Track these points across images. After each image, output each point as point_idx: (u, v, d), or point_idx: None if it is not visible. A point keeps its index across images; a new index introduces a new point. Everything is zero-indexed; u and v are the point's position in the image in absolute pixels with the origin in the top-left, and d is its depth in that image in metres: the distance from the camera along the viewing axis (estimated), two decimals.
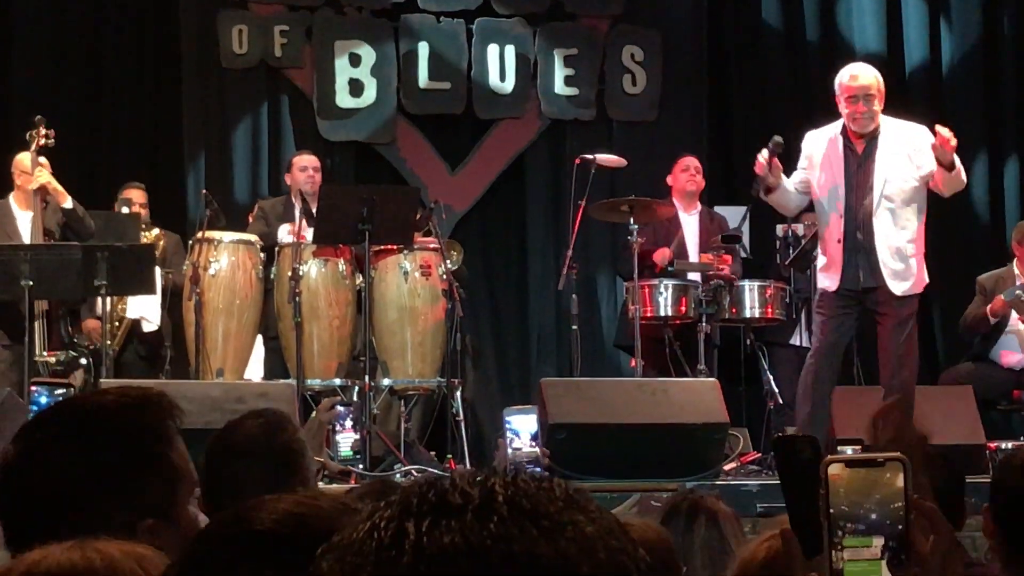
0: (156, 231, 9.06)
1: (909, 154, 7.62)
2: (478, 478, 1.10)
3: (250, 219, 9.24)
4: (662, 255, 9.04)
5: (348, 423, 7.17)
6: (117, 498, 2.14)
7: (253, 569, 1.56)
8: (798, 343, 9.94)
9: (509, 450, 3.65)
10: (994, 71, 11.59)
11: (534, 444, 3.59)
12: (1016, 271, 9.36)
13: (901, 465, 1.66)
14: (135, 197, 9.07)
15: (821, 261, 7.73)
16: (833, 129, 7.71)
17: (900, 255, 7.59)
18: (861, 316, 7.71)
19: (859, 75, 7.70)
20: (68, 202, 8.43)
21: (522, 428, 3.53)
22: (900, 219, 7.61)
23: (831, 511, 1.66)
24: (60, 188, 8.42)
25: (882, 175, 7.58)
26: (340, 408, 7.57)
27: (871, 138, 7.63)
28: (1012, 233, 9.54)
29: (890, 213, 7.58)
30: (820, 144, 7.69)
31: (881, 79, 7.72)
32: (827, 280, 7.62)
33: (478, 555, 1.04)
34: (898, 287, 7.56)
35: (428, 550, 1.05)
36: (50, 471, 2.10)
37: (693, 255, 9.25)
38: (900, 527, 1.64)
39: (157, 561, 1.63)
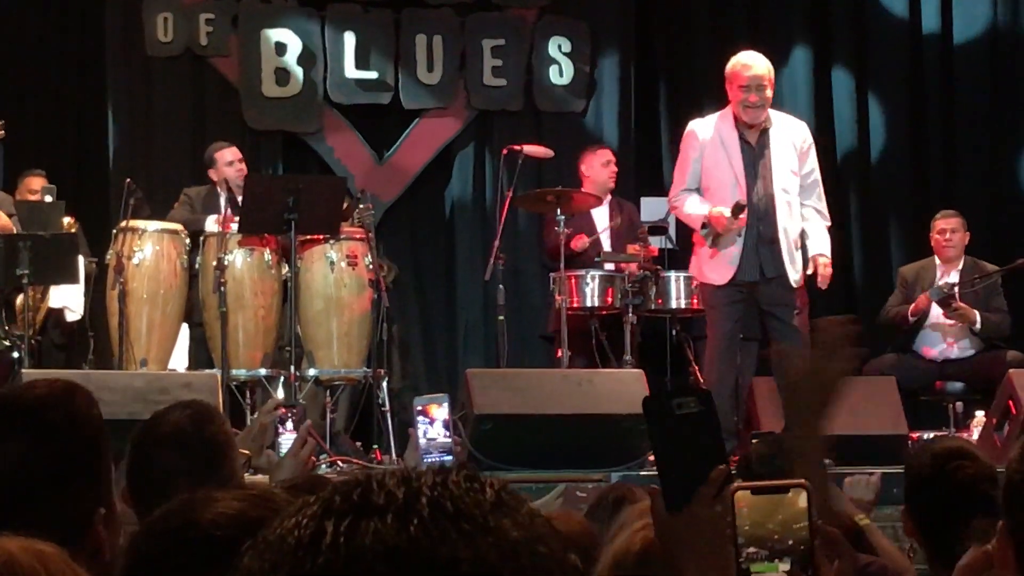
0: (68, 219, 8.96)
1: (796, 152, 7.69)
2: (407, 477, 1.09)
3: (175, 205, 9.17)
4: (581, 242, 9.05)
5: (290, 425, 7.12)
6: (68, 490, 2.13)
7: (204, 572, 1.54)
8: None
9: (422, 440, 3.63)
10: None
11: (447, 434, 3.57)
12: (937, 262, 9.45)
13: (805, 491, 1.67)
14: (35, 185, 8.98)
15: (700, 256, 7.72)
16: (721, 118, 7.65)
17: (796, 246, 7.66)
18: (750, 307, 7.75)
19: (753, 64, 7.65)
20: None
21: (435, 416, 3.52)
22: (795, 210, 7.66)
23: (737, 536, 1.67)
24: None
25: (779, 166, 7.62)
26: (282, 410, 7.55)
27: (763, 129, 7.62)
28: (932, 225, 9.63)
29: (788, 205, 7.64)
30: (708, 132, 7.63)
31: (772, 70, 7.73)
32: (714, 273, 7.63)
33: (394, 557, 1.03)
34: (794, 278, 7.64)
35: (343, 550, 1.04)
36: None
37: (606, 245, 9.28)
38: (803, 548, 1.65)
39: (57, 558, 1.60)
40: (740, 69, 7.59)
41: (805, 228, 7.75)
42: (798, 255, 7.65)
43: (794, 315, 7.63)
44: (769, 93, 7.59)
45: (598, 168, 9.45)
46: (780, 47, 10.84)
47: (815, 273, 7.72)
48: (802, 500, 1.67)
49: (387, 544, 1.03)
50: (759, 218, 7.56)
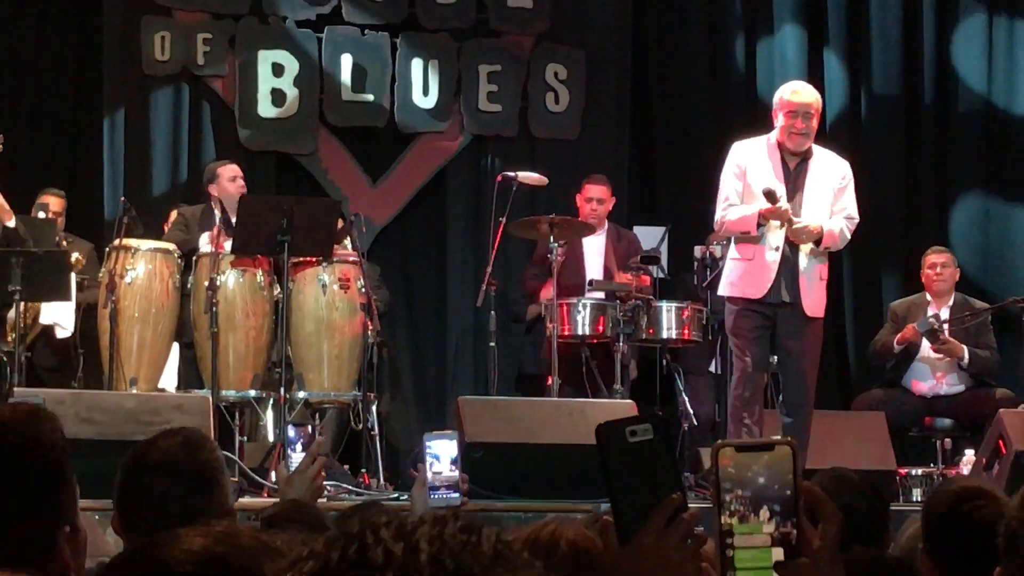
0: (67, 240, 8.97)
1: (833, 187, 7.73)
2: (403, 531, 1.06)
3: (165, 227, 9.16)
4: (548, 294, 8.98)
5: (299, 447, 7.10)
6: (31, 513, 2.13)
7: None
8: (715, 370, 10.00)
9: (429, 474, 3.63)
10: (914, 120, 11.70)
11: (453, 469, 3.57)
12: (928, 298, 9.47)
13: (791, 449, 1.66)
14: (52, 204, 8.97)
15: (738, 270, 7.69)
16: (765, 141, 7.73)
17: (817, 278, 7.67)
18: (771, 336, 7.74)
19: (801, 91, 7.78)
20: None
21: (442, 452, 3.52)
22: (820, 245, 7.69)
23: (721, 485, 1.65)
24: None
25: (811, 198, 7.66)
26: (291, 430, 7.55)
27: (803, 158, 7.68)
28: (923, 261, 9.65)
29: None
30: (752, 153, 7.70)
31: (820, 101, 7.83)
32: (751, 287, 7.60)
33: None
34: (811, 308, 7.64)
35: None
36: None
37: (597, 273, 9.26)
38: (789, 496, 1.64)
39: None
40: (790, 96, 7.70)
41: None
42: (817, 288, 7.67)
43: (802, 351, 7.66)
44: (815, 123, 7.68)
45: (582, 203, 9.47)
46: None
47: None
48: (787, 457, 1.66)
49: None
50: (788, 242, 7.60)
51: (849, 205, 7.79)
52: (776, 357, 7.89)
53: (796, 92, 7.75)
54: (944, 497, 3.43)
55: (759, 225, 7.56)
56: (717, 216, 7.80)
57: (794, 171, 7.67)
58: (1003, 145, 11.49)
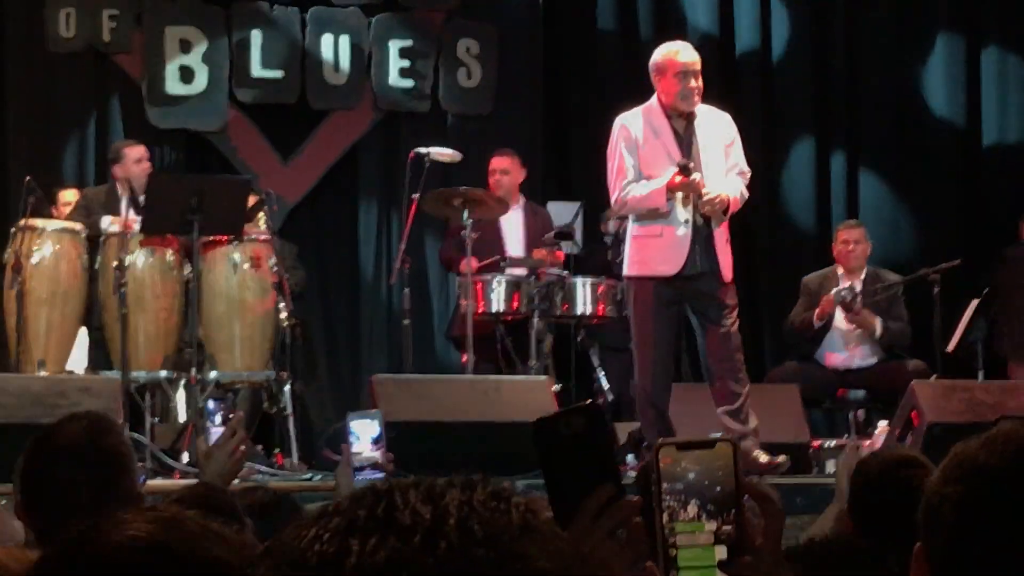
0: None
1: (724, 143, 7.58)
2: (432, 493, 1.06)
3: (54, 210, 8.98)
4: (467, 266, 8.95)
5: (218, 419, 7.03)
6: None
7: None
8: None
9: (354, 455, 3.62)
10: (824, 60, 11.78)
11: (375, 448, 3.55)
12: (839, 272, 9.52)
13: (731, 446, 1.65)
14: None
15: (646, 248, 7.48)
16: (647, 110, 7.52)
17: (724, 241, 7.52)
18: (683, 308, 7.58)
19: (684, 50, 7.56)
20: None
21: (363, 433, 3.49)
22: (726, 214, 7.53)
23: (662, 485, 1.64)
24: None
25: (708, 157, 7.48)
26: (211, 403, 7.49)
27: (688, 119, 7.50)
28: (835, 234, 9.71)
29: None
30: (639, 124, 7.50)
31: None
32: (664, 264, 7.40)
33: None
34: (726, 273, 7.50)
35: (368, 571, 1.01)
36: None
37: (518, 250, 9.23)
38: (730, 494, 1.63)
39: None
40: (673, 56, 7.49)
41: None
42: (727, 252, 7.50)
43: (724, 314, 7.49)
44: (700, 81, 7.48)
45: (488, 176, 9.41)
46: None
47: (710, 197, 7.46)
48: (727, 454, 1.64)
49: (412, 568, 1.01)
50: (698, 210, 7.41)
51: (740, 159, 7.65)
52: (697, 329, 7.63)
53: (680, 52, 7.53)
54: (878, 463, 3.43)
55: (668, 199, 7.36)
56: (616, 195, 7.55)
57: (684, 134, 7.49)
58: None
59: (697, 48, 7.79)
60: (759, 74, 11.55)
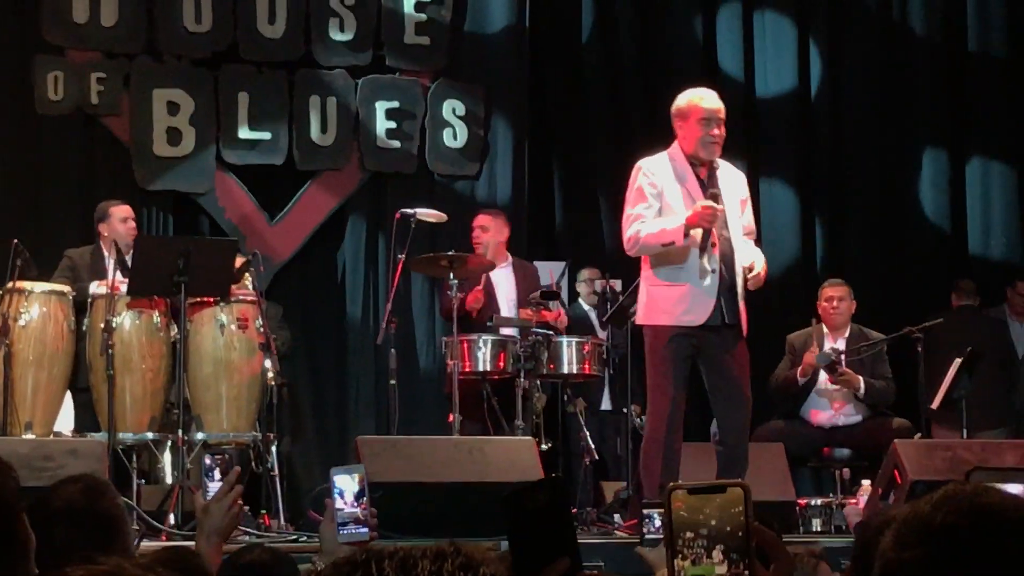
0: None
1: (739, 198, 7.46)
2: (407, 564, 1.10)
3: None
4: (475, 298, 9.03)
5: (216, 474, 7.01)
6: None
7: None
8: (609, 407, 10.04)
9: (336, 509, 3.63)
10: (809, 116, 11.92)
11: (357, 504, 3.57)
12: (824, 330, 9.57)
13: (742, 490, 1.68)
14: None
15: (669, 296, 7.24)
16: (670, 156, 7.33)
17: (743, 296, 7.40)
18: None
19: (708, 97, 7.38)
20: None
21: (347, 488, 3.52)
22: (740, 258, 7.39)
23: (672, 527, 1.67)
24: None
25: (730, 208, 7.32)
26: (207, 459, 7.46)
27: (711, 169, 7.32)
28: (819, 292, 9.76)
29: (738, 250, 7.34)
30: (663, 169, 7.30)
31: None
32: (689, 315, 7.18)
33: None
34: (744, 326, 7.40)
35: None
36: None
37: (507, 309, 9.27)
38: (741, 537, 1.65)
39: None
40: (698, 102, 7.31)
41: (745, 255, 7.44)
42: (743, 306, 7.37)
43: (742, 370, 7.38)
44: (724, 130, 7.30)
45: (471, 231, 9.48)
46: None
47: (750, 269, 7.28)
48: (739, 498, 1.67)
49: None
50: (724, 260, 7.24)
51: (750, 217, 7.54)
52: (709, 383, 7.43)
53: (705, 98, 7.35)
54: (878, 522, 3.46)
55: (685, 235, 7.10)
56: (629, 232, 7.28)
57: (707, 182, 7.30)
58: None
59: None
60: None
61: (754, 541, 1.68)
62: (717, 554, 1.66)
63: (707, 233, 7.16)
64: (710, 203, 7.11)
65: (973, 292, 10.77)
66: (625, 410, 8.98)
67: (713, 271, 7.21)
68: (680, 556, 1.66)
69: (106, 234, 8.81)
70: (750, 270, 7.30)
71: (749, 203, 7.59)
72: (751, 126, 11.67)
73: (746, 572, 1.66)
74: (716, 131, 7.26)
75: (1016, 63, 12.08)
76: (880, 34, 12.06)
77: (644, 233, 7.20)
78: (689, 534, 1.66)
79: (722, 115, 7.33)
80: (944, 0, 12.10)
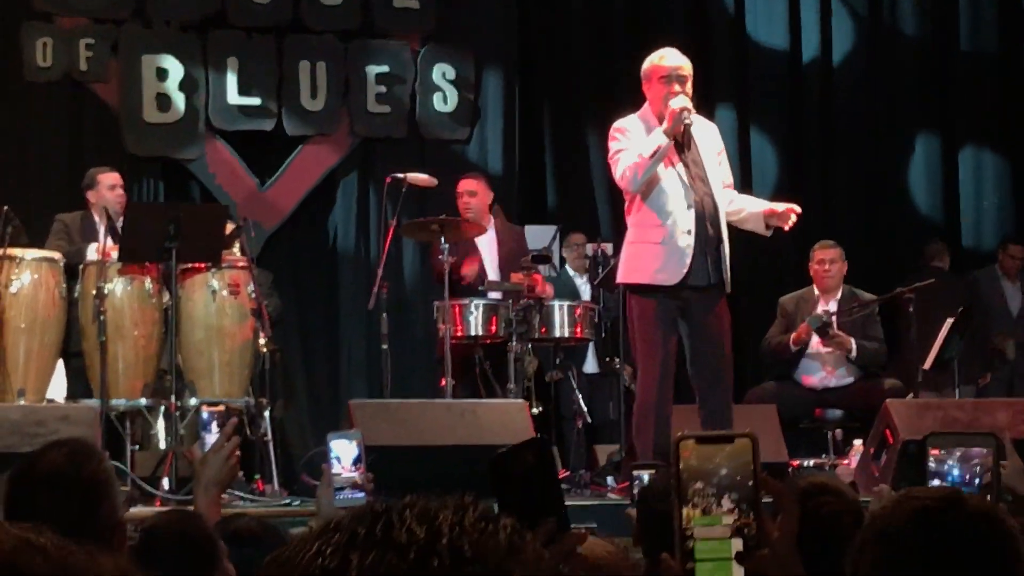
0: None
1: (715, 151, 7.46)
2: (427, 514, 1.13)
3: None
4: (470, 267, 9.02)
5: (214, 427, 7.02)
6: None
7: None
8: (592, 370, 10.06)
9: (333, 474, 3.64)
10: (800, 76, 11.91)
11: (354, 469, 3.57)
12: (816, 292, 9.57)
13: (750, 441, 1.68)
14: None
15: (646, 255, 7.26)
16: (641, 117, 7.36)
17: (727, 252, 7.39)
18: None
19: (669, 55, 7.42)
20: None
21: (344, 453, 3.53)
22: (723, 214, 7.39)
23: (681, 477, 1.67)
24: None
25: (709, 164, 7.34)
26: (205, 412, 7.45)
27: (686, 127, 7.28)
28: (811, 254, 9.74)
29: (721, 206, 7.35)
30: (636, 127, 7.33)
31: (691, 66, 7.45)
32: (663, 273, 7.19)
33: None
34: (728, 283, 7.40)
35: None
36: None
37: (492, 272, 9.23)
38: (750, 486, 1.66)
39: None
40: (658, 61, 7.35)
41: (739, 206, 7.46)
42: (728, 261, 7.37)
43: (722, 329, 7.37)
44: (690, 87, 7.30)
45: (457, 198, 9.37)
46: None
47: (775, 214, 7.32)
48: (747, 448, 1.68)
49: None
50: (706, 218, 7.23)
51: (727, 171, 7.56)
52: (690, 344, 7.40)
53: (664, 56, 7.39)
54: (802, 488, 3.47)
55: (669, 137, 7.12)
56: (617, 172, 7.31)
57: (683, 140, 7.30)
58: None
59: None
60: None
61: (762, 492, 1.68)
62: (726, 503, 1.66)
63: (686, 130, 7.24)
64: (678, 104, 7.15)
65: (943, 253, 10.82)
66: (614, 369, 8.98)
67: (689, 232, 7.21)
68: (690, 505, 1.67)
69: (94, 201, 8.80)
70: (771, 215, 7.32)
71: (725, 155, 7.59)
72: (741, 74, 11.65)
73: (754, 522, 1.66)
74: (677, 88, 7.26)
75: (1008, 57, 12.08)
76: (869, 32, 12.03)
77: (630, 160, 7.22)
78: (698, 484, 1.66)
79: (685, 72, 7.34)
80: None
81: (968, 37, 12.12)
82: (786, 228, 7.46)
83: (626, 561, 3.10)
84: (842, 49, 11.92)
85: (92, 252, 8.42)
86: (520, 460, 1.76)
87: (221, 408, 7.50)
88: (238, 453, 3.77)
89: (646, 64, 7.47)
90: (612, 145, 7.41)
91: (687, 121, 7.23)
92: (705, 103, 11.17)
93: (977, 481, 3.17)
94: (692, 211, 7.25)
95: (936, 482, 3.20)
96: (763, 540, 1.67)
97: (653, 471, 5.81)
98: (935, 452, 3.22)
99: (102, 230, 8.41)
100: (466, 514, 1.14)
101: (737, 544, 1.66)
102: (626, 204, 7.50)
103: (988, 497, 3.03)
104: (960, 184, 11.97)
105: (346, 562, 1.11)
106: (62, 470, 3.16)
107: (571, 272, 10.41)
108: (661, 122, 7.27)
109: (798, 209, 7.39)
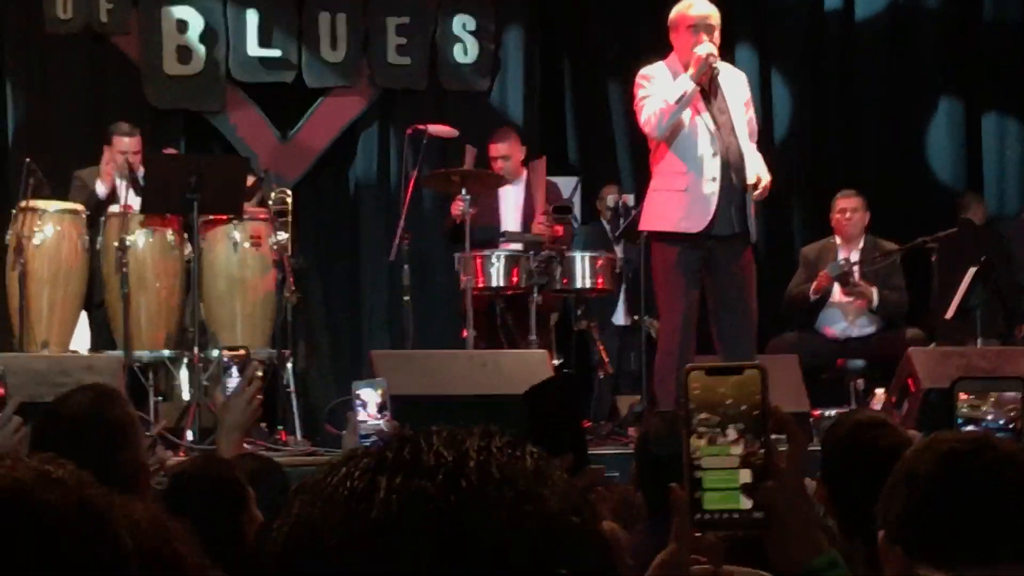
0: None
1: (742, 99, 7.47)
2: (455, 439, 1.14)
3: (118, 156, 8.82)
4: (457, 207, 8.81)
5: (235, 371, 7.09)
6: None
7: None
8: (621, 322, 10.05)
9: (359, 421, 3.67)
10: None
11: (380, 416, 3.60)
12: (837, 242, 9.55)
13: (759, 372, 1.68)
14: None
15: (671, 202, 7.25)
16: (669, 62, 7.34)
17: (752, 202, 7.39)
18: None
19: (700, 4, 7.38)
20: None
21: (369, 400, 3.56)
22: (749, 163, 7.37)
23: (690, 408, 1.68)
24: None
25: (736, 113, 7.34)
26: (225, 357, 7.49)
27: (712, 75, 7.28)
28: (832, 204, 9.72)
29: (747, 155, 7.35)
30: (662, 75, 7.31)
31: (719, 14, 7.41)
32: (688, 220, 7.17)
33: (443, 516, 1.10)
34: (752, 233, 7.42)
35: (395, 506, 1.10)
36: None
37: (514, 224, 9.18)
38: (757, 415, 1.66)
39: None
40: (686, 10, 7.31)
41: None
42: (753, 211, 7.37)
43: (746, 279, 7.37)
44: (718, 36, 7.28)
45: (491, 161, 9.27)
46: None
47: (755, 185, 7.30)
48: (756, 379, 1.68)
49: (436, 503, 1.10)
50: (731, 167, 7.22)
51: (752, 116, 7.54)
52: (712, 293, 7.39)
53: (692, 4, 7.34)
54: (845, 427, 3.50)
55: (694, 81, 7.14)
56: (643, 117, 7.30)
57: (709, 88, 7.30)
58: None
59: None
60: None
61: (771, 422, 1.68)
62: (732, 433, 1.67)
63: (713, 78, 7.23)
64: (704, 51, 7.14)
65: (975, 205, 10.70)
66: (640, 323, 8.97)
67: (714, 179, 7.20)
68: (696, 435, 1.67)
69: (108, 156, 8.78)
70: (755, 187, 7.29)
71: (752, 105, 7.58)
72: (762, 10, 11.59)
73: (761, 452, 1.66)
74: (705, 38, 7.24)
75: None
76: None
77: (655, 107, 7.22)
78: (704, 414, 1.67)
79: (712, 21, 7.32)
80: None
81: (992, 7, 12.00)
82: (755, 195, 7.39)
83: (617, 542, 3.10)
84: (864, 11, 11.81)
85: (102, 191, 8.44)
86: (552, 393, 1.78)
87: (241, 352, 7.55)
88: (260, 397, 3.79)
89: (673, 12, 7.43)
90: (637, 92, 7.40)
91: (714, 66, 7.20)
92: (725, 42, 11.22)
93: (1012, 426, 3.18)
94: (717, 158, 7.24)
95: (971, 427, 3.21)
96: (771, 471, 1.68)
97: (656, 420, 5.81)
98: (965, 396, 3.22)
99: (123, 183, 8.40)
100: (493, 440, 1.15)
101: (745, 475, 1.67)
102: (651, 152, 7.48)
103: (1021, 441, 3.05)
104: (983, 151, 11.87)
105: (374, 485, 1.11)
106: (86, 412, 3.20)
107: (605, 225, 10.35)
108: (687, 71, 7.26)
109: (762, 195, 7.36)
